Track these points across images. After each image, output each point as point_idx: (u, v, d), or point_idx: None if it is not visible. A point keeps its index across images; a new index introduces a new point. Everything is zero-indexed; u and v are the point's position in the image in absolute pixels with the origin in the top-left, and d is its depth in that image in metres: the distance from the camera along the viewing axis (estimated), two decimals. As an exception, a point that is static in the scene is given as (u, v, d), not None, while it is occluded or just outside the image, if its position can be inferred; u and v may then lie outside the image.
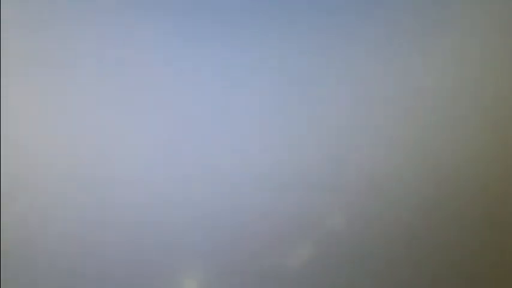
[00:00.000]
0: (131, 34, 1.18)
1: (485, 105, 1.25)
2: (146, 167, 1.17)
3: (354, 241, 1.19)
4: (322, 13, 1.21)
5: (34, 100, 1.16)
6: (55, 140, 1.15)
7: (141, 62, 1.18)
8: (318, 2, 1.21)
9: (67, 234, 1.14)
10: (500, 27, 1.25)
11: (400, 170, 1.22)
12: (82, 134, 1.16)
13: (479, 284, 1.21)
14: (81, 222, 1.14)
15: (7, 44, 1.15)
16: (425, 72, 1.24)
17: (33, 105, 1.16)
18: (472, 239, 1.22)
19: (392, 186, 1.21)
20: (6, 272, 1.12)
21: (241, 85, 1.20)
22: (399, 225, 1.21)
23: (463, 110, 1.24)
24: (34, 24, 1.16)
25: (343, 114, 1.22)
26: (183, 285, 1.16)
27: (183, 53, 1.19)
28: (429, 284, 1.20)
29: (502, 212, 1.23)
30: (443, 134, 1.23)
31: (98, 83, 1.17)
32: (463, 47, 1.25)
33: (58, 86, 1.16)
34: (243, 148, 1.19)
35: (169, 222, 1.16)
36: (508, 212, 1.23)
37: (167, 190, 1.17)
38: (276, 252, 1.17)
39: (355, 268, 1.19)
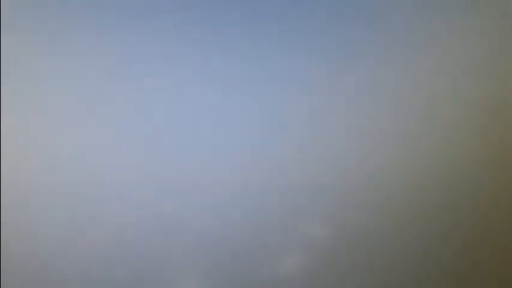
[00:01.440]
0: (130, 39, 1.18)
1: (485, 106, 1.25)
2: (146, 169, 1.17)
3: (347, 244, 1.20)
4: (322, 18, 1.22)
5: (34, 102, 1.16)
6: (55, 142, 1.16)
7: (141, 68, 1.18)
8: (319, 7, 1.21)
9: (66, 235, 1.15)
10: (499, 29, 1.26)
11: (398, 171, 1.22)
12: (83, 136, 1.16)
13: (475, 282, 1.22)
14: (79, 226, 1.15)
15: (7, 45, 1.15)
16: (425, 73, 1.24)
17: (33, 107, 1.16)
18: (469, 241, 1.22)
19: (389, 187, 1.22)
20: (6, 272, 1.13)
21: (239, 90, 1.20)
22: (395, 228, 1.21)
23: (461, 111, 1.24)
24: (34, 24, 1.16)
25: (342, 115, 1.22)
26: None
27: (179, 60, 1.19)
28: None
29: (499, 212, 1.24)
30: (442, 135, 1.24)
31: (95, 87, 1.17)
32: (463, 47, 1.25)
33: (58, 88, 1.17)
34: (238, 151, 1.19)
35: (165, 226, 1.17)
36: (506, 211, 1.23)
37: (165, 194, 1.17)
38: (267, 253, 1.18)
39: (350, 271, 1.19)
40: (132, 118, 1.17)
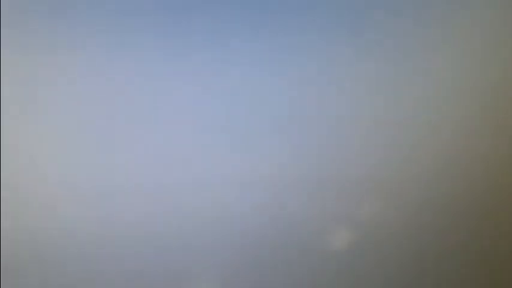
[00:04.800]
0: (133, 39, 1.18)
1: (487, 105, 1.25)
2: (152, 172, 1.17)
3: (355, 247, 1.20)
4: (325, 15, 1.21)
5: (34, 103, 1.16)
6: (57, 145, 1.16)
7: (144, 68, 1.18)
8: (323, 4, 1.21)
9: (72, 236, 1.15)
10: (502, 27, 1.26)
11: (401, 170, 1.22)
12: (86, 138, 1.16)
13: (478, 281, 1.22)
14: (85, 227, 1.15)
15: (7, 50, 1.15)
16: (427, 73, 1.24)
17: (34, 109, 1.16)
18: (472, 237, 1.22)
19: (394, 186, 1.22)
20: (6, 272, 1.12)
21: (242, 87, 1.20)
22: (401, 223, 1.21)
23: (463, 110, 1.24)
24: (34, 25, 1.16)
25: (345, 114, 1.22)
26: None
27: (183, 58, 1.19)
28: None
29: (502, 209, 1.23)
30: (445, 134, 1.24)
31: (97, 88, 1.17)
32: (466, 46, 1.25)
33: (60, 91, 1.17)
34: (249, 150, 1.19)
35: (178, 226, 1.17)
36: (508, 210, 1.23)
37: (175, 194, 1.17)
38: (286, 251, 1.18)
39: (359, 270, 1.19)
40: (137, 118, 1.17)
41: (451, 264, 1.22)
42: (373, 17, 1.23)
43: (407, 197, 1.21)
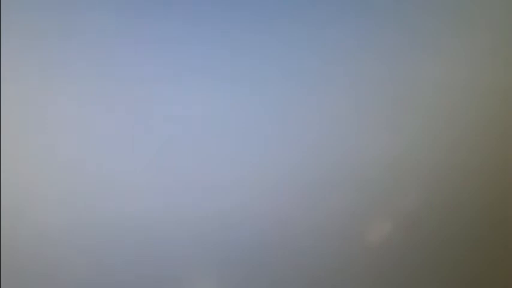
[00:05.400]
0: (135, 39, 1.18)
1: (489, 106, 1.25)
2: (152, 172, 1.17)
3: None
4: (331, 13, 1.21)
5: (35, 103, 1.16)
6: (57, 145, 1.16)
7: (147, 69, 1.18)
8: (330, 2, 1.21)
9: (72, 236, 1.15)
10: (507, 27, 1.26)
11: (401, 171, 1.22)
12: (86, 138, 1.16)
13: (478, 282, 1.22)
14: (85, 227, 1.15)
15: (7, 55, 1.15)
16: (429, 73, 1.24)
17: (35, 108, 1.16)
18: (472, 236, 1.22)
19: (393, 188, 1.22)
20: (6, 272, 1.12)
21: (242, 86, 1.20)
22: (402, 223, 1.21)
23: (464, 110, 1.24)
24: (36, 32, 1.16)
25: (347, 113, 1.22)
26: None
27: (183, 57, 1.19)
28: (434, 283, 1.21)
29: (502, 209, 1.24)
30: (446, 134, 1.24)
31: (97, 88, 1.17)
32: (469, 47, 1.25)
33: (60, 88, 1.17)
34: (250, 149, 1.19)
35: (182, 227, 1.17)
36: (508, 209, 1.24)
37: (178, 196, 1.17)
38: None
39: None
40: (136, 118, 1.17)
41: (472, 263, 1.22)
42: (373, 17, 1.23)
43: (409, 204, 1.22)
